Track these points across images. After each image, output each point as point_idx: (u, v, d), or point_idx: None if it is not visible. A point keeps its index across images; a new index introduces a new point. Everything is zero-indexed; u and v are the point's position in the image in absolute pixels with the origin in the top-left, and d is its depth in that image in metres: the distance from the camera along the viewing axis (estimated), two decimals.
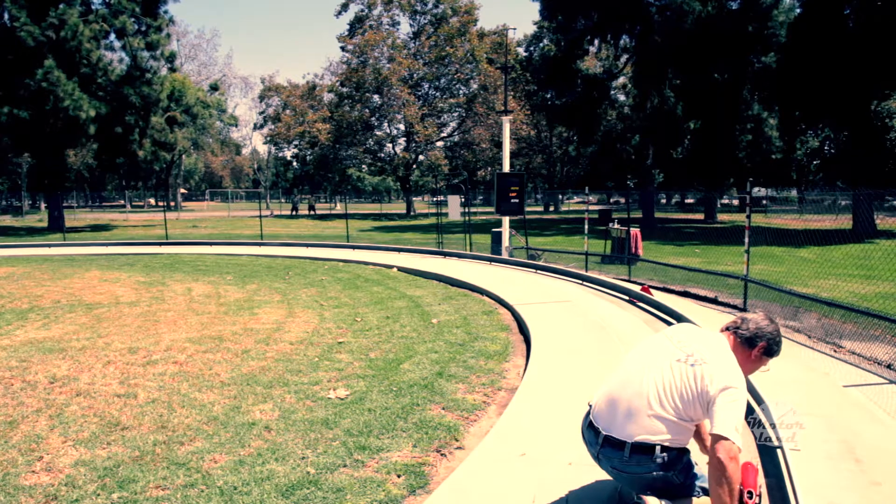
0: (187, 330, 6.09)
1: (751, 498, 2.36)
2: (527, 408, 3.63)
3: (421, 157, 40.17)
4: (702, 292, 7.83)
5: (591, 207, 11.81)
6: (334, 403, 3.91)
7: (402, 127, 39.24)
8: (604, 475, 2.70)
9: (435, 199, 31.87)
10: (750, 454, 2.52)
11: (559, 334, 5.56)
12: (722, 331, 2.39)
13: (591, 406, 2.43)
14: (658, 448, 2.18)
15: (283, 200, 57.23)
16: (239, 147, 76.73)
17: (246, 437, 3.37)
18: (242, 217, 36.22)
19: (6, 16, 21.95)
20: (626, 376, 2.34)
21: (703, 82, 25.17)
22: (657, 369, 2.26)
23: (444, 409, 3.81)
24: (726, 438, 2.02)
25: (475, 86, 38.44)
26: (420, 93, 39.27)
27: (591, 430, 2.38)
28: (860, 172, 19.07)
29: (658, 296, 7.27)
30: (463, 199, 16.88)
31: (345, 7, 38.78)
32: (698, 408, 2.15)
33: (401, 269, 11.08)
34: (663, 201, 48.22)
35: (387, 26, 39.26)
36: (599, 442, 2.33)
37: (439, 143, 40.69)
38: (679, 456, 2.22)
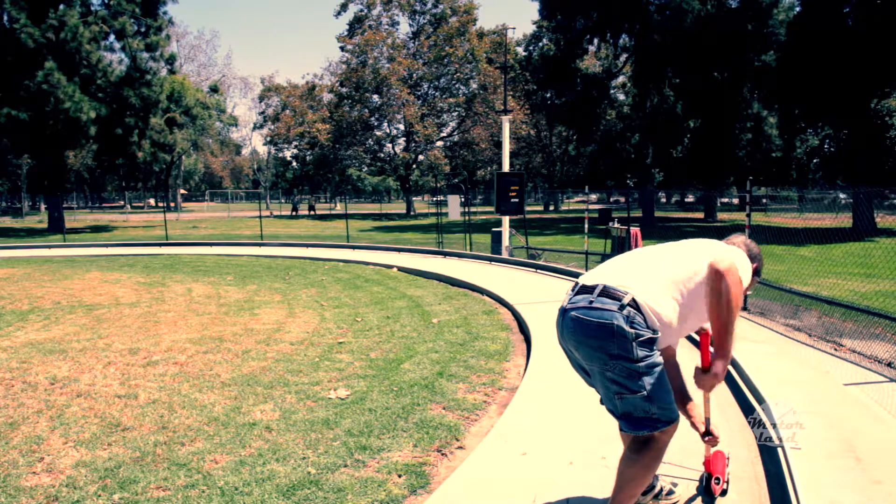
0: (188, 330, 6.09)
1: (717, 483, 2.39)
2: (527, 407, 3.63)
3: (421, 157, 40.17)
4: None
5: (591, 206, 11.82)
6: (335, 403, 3.91)
7: (401, 127, 39.25)
8: (604, 475, 2.71)
9: (435, 198, 31.87)
10: (721, 445, 2.55)
11: None
12: None
13: None
14: (629, 298, 2.00)
15: (282, 201, 57.19)
16: (239, 147, 76.72)
17: (247, 437, 3.37)
18: (242, 217, 36.20)
19: (6, 17, 21.96)
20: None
21: (702, 81, 25.19)
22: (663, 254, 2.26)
23: (444, 408, 3.81)
24: (728, 260, 1.99)
25: (475, 85, 38.42)
26: (420, 93, 39.26)
27: (561, 309, 2.21)
28: (860, 170, 19.09)
29: None
30: (463, 199, 16.89)
31: (344, 7, 38.78)
32: (698, 283, 2.07)
33: (401, 268, 11.08)
34: (663, 200, 48.23)
35: (386, 26, 39.28)
36: (574, 292, 2.18)
37: (439, 143, 40.68)
38: (646, 324, 2.00)
